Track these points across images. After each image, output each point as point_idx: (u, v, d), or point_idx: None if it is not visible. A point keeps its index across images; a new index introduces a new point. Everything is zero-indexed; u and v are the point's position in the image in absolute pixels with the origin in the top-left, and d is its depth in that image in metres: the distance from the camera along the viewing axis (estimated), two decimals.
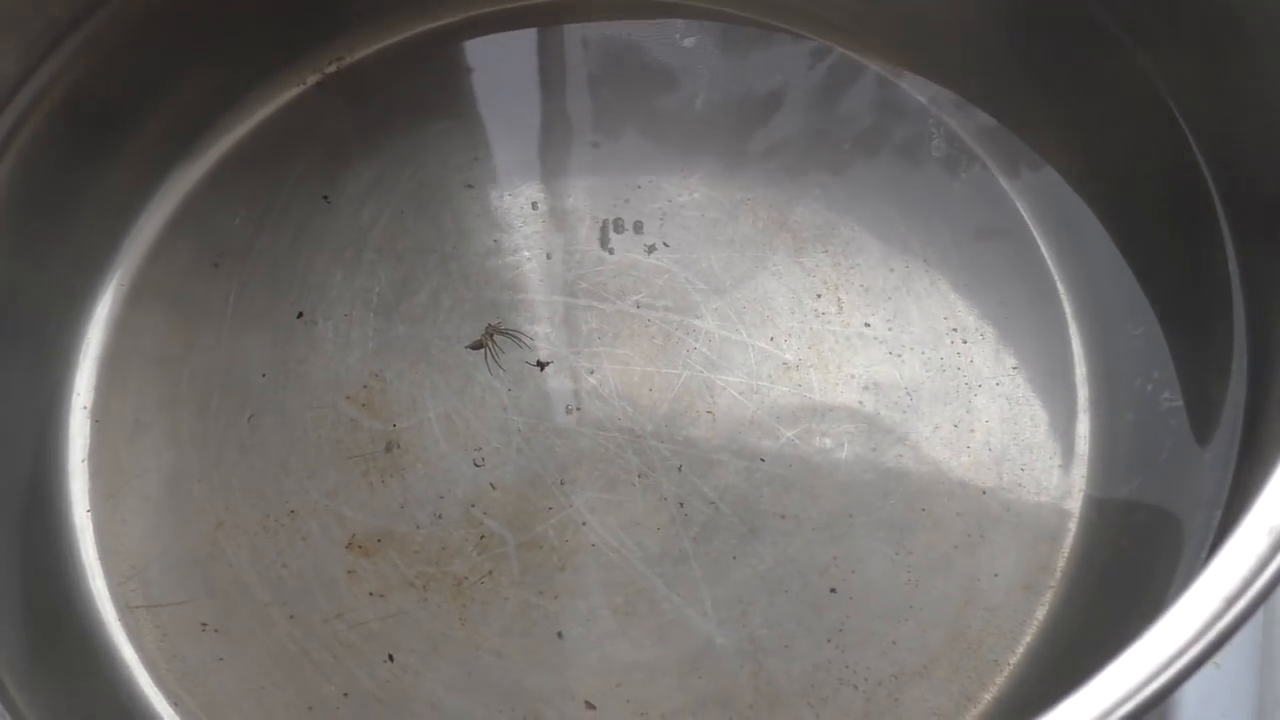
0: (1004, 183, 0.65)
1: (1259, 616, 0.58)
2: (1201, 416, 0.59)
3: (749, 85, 0.68)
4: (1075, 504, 0.60)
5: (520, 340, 0.63)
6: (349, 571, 0.60)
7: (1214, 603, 0.39)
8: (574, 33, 0.69)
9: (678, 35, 0.69)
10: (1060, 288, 0.63)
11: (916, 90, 0.67)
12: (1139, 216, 0.63)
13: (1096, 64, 0.63)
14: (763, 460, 0.61)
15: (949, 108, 0.67)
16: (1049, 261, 0.64)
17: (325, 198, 0.66)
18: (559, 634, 0.59)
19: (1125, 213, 0.64)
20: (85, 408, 0.63)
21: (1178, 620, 0.40)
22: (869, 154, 0.66)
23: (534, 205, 0.66)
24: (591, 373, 0.63)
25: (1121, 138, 0.64)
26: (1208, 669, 0.57)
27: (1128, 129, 0.63)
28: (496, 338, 0.63)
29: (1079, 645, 0.57)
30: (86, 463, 0.62)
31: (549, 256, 0.65)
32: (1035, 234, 0.64)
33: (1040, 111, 0.66)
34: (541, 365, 0.62)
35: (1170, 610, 0.40)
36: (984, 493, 0.60)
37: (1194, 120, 0.60)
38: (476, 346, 0.63)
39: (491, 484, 0.61)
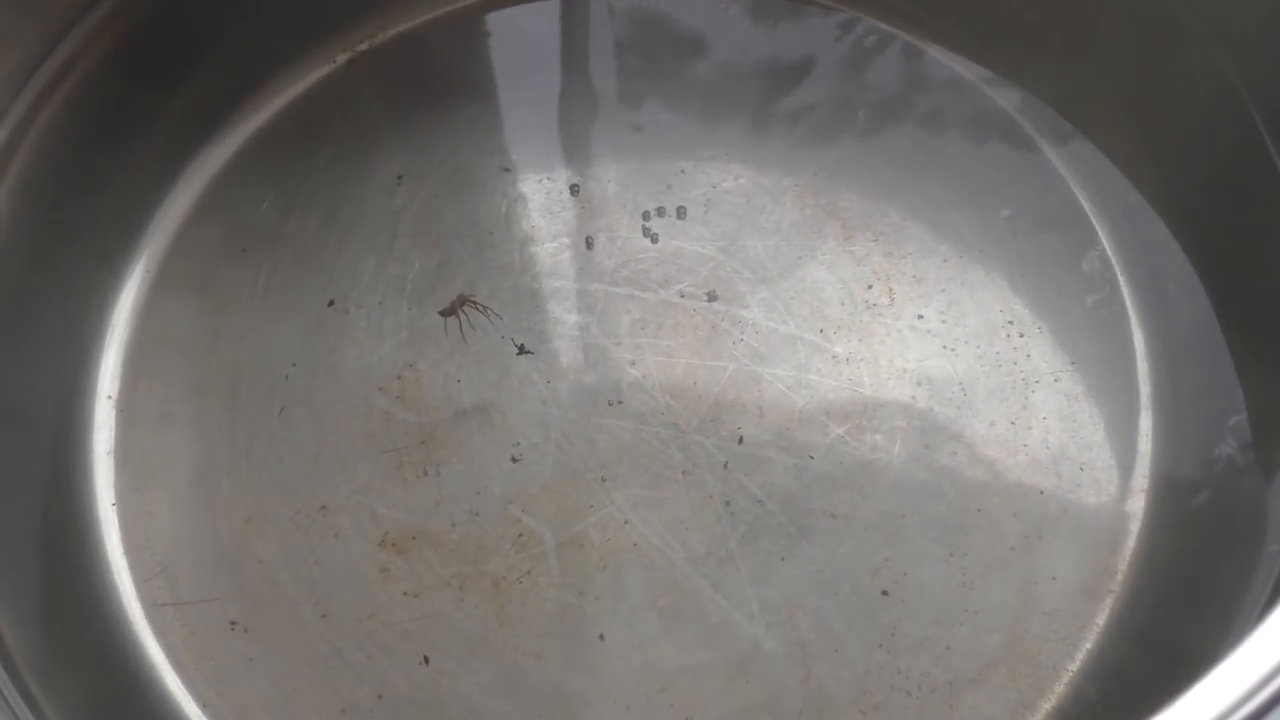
0: (1062, 170, 0.63)
1: None
2: (1271, 410, 0.56)
3: (794, 68, 0.66)
4: (1137, 505, 0.58)
5: (489, 316, 0.61)
6: (382, 570, 0.58)
7: None
8: (609, 12, 0.67)
9: (717, 11, 0.66)
10: (1121, 279, 0.61)
11: (969, 72, 0.65)
12: (1201, 206, 0.61)
13: (1158, 43, 0.61)
14: (812, 457, 0.59)
15: (997, 85, 0.64)
16: (1110, 253, 0.61)
17: (399, 178, 0.64)
18: (600, 636, 0.57)
19: (1186, 201, 0.61)
20: (110, 397, 0.61)
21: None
22: (923, 138, 0.64)
23: (573, 190, 0.64)
24: (633, 364, 0.61)
25: (1182, 121, 0.61)
26: None
27: (1190, 113, 0.61)
28: (467, 308, 0.61)
29: (1142, 653, 0.55)
30: (112, 455, 0.60)
31: (589, 243, 0.63)
32: (1095, 224, 0.62)
33: (1097, 95, 0.64)
34: (521, 349, 0.60)
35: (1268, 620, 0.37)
36: (1041, 493, 0.58)
37: (1259, 99, 0.58)
38: (447, 313, 0.61)
39: (530, 480, 0.59)
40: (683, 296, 0.62)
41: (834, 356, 0.60)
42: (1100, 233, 0.62)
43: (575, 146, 0.65)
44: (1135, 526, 0.58)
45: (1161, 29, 0.60)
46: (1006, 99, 0.65)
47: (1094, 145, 0.63)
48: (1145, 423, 0.59)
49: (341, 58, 0.67)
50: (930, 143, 0.64)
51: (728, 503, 0.58)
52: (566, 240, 0.63)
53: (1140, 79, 0.62)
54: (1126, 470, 0.58)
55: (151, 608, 0.58)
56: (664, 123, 0.65)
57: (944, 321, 0.61)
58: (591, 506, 0.59)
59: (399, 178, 0.64)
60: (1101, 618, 0.57)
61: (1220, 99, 0.58)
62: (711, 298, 0.61)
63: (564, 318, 0.62)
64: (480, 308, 0.61)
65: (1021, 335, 0.60)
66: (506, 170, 0.64)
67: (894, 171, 0.64)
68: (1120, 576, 0.57)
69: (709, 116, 0.65)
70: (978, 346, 0.60)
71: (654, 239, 0.63)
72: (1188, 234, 0.61)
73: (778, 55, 0.66)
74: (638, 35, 0.67)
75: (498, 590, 0.57)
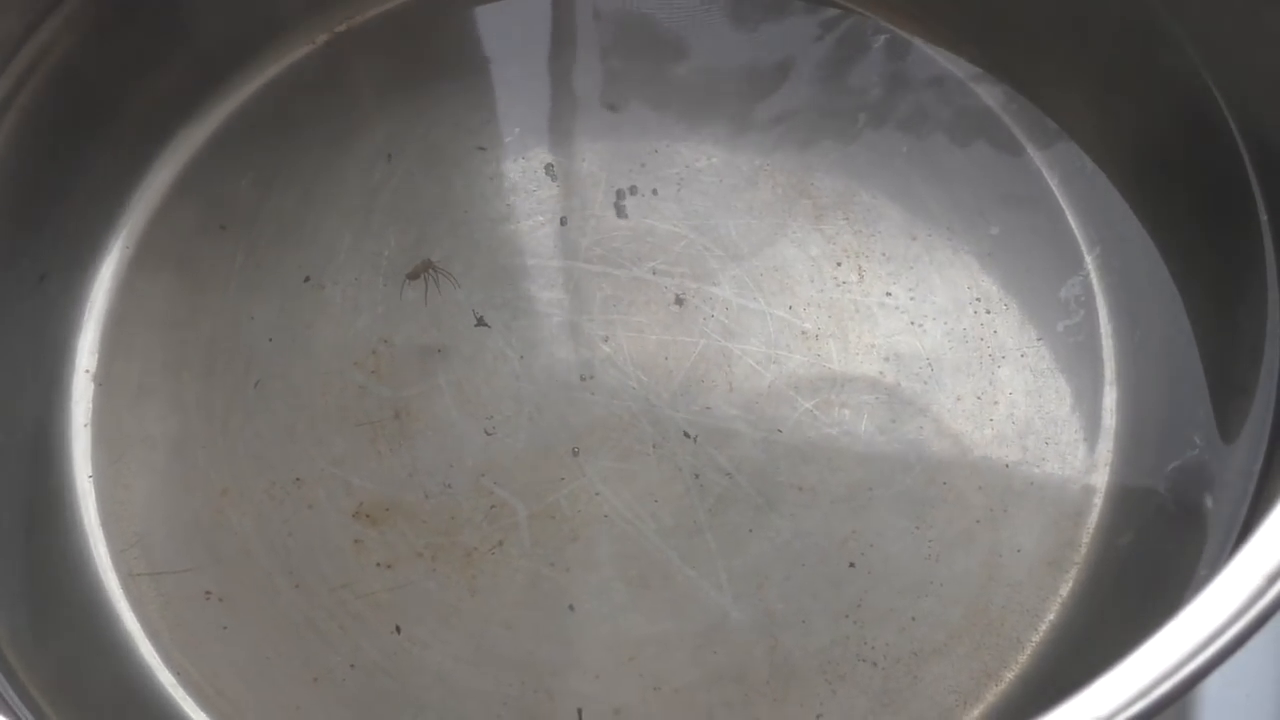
0: (1029, 149, 0.64)
1: None
2: (1231, 383, 0.57)
3: (765, 50, 0.66)
4: (1101, 479, 0.59)
5: (452, 282, 0.62)
6: (356, 541, 0.59)
7: (1255, 580, 0.38)
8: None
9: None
10: (1087, 257, 0.62)
11: (937, 55, 0.66)
12: (1168, 188, 0.62)
13: (1117, 22, 0.62)
14: (780, 431, 0.60)
15: (970, 72, 0.65)
16: (1075, 230, 0.62)
17: (388, 157, 0.65)
18: (570, 606, 0.58)
19: (1152, 182, 0.62)
20: (88, 371, 0.61)
21: (1211, 602, 0.38)
22: (890, 120, 0.65)
23: (548, 169, 0.64)
24: (605, 340, 0.61)
25: (1145, 100, 0.62)
26: None
27: (1152, 90, 0.62)
28: (432, 272, 0.61)
29: (1104, 623, 0.56)
30: (89, 427, 0.61)
31: (563, 222, 0.63)
32: (1061, 201, 0.63)
33: (1060, 76, 0.65)
34: (480, 321, 0.61)
35: (1204, 591, 0.38)
36: (1007, 467, 0.59)
37: (1223, 82, 0.58)
38: (414, 276, 0.62)
39: (502, 453, 0.60)
40: (654, 274, 0.62)
41: (803, 333, 0.61)
42: (1067, 211, 0.62)
43: (551, 127, 0.66)
44: (1098, 500, 0.58)
45: (1144, 35, 0.61)
46: (978, 84, 0.65)
47: (1062, 129, 0.64)
48: (1109, 399, 0.60)
49: (321, 38, 0.67)
50: (901, 126, 0.65)
51: (697, 475, 0.59)
52: (541, 219, 0.64)
53: (1120, 83, 0.63)
54: (1091, 444, 0.59)
55: (128, 577, 0.59)
56: (638, 102, 0.66)
57: (912, 298, 0.62)
58: (563, 479, 0.59)
59: (388, 156, 0.65)
60: (1065, 589, 0.57)
61: (1200, 111, 0.59)
62: (683, 275, 0.62)
63: (538, 294, 0.62)
64: (444, 272, 0.62)
65: (989, 312, 0.61)
66: (483, 149, 0.65)
67: (864, 153, 0.64)
68: (1084, 549, 0.58)
69: (681, 97, 0.66)
70: (945, 323, 0.61)
71: (627, 217, 0.63)
72: (1154, 214, 0.62)
73: (759, 43, 0.67)
74: (618, 18, 0.68)
75: (470, 561, 0.58)
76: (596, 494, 0.59)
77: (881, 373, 0.60)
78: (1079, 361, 0.60)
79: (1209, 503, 0.56)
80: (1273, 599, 0.37)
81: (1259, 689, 0.57)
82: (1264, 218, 0.57)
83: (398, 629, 0.57)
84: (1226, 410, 0.57)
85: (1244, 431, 0.55)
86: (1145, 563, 0.57)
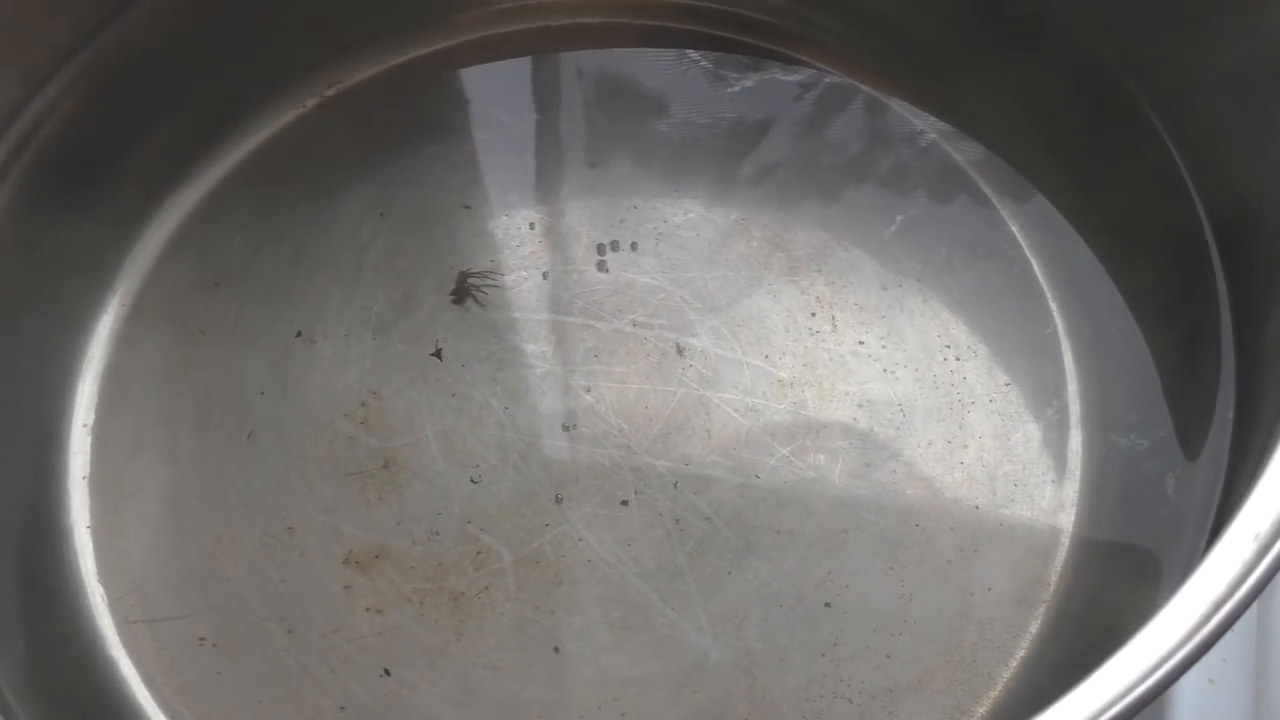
0: (998, 205, 0.66)
1: (1253, 630, 0.59)
2: (1190, 432, 0.59)
3: (742, 109, 0.69)
4: (1068, 519, 0.60)
5: (498, 281, 0.65)
6: (346, 587, 0.60)
7: (1201, 608, 0.39)
8: (569, 55, 0.70)
9: (672, 60, 0.70)
10: (1053, 306, 0.64)
11: (909, 114, 0.68)
12: (1131, 243, 0.64)
13: (1089, 94, 0.64)
14: (758, 477, 0.61)
15: (942, 132, 0.68)
16: (1041, 280, 0.64)
17: (380, 215, 0.67)
18: (555, 649, 0.59)
19: (1116, 238, 0.65)
20: (86, 425, 0.63)
21: (1164, 626, 0.40)
22: (862, 176, 0.67)
23: (531, 226, 0.67)
24: (588, 391, 0.63)
25: (1112, 165, 0.65)
26: (1202, 685, 0.57)
27: (1119, 156, 0.64)
28: (474, 280, 0.64)
29: (1072, 659, 0.58)
30: (87, 480, 0.62)
31: (545, 276, 0.66)
32: (1028, 253, 0.65)
33: (1031, 139, 0.67)
34: (436, 353, 0.64)
35: (1157, 616, 0.40)
36: (977, 508, 0.61)
37: (1188, 153, 0.61)
38: (459, 299, 0.64)
39: (488, 501, 0.61)
40: (635, 326, 0.64)
41: (779, 381, 0.63)
42: (1034, 263, 0.65)
43: (533, 184, 0.68)
44: (1066, 539, 0.60)
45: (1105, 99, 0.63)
46: (948, 143, 0.68)
47: (1032, 187, 0.66)
48: (1075, 442, 0.62)
49: (310, 102, 0.70)
50: (873, 182, 0.67)
51: (677, 520, 0.61)
52: (524, 274, 0.66)
53: (1075, 134, 0.66)
54: (1058, 486, 0.61)
55: (124, 625, 0.60)
56: (618, 160, 0.68)
57: (884, 346, 0.64)
58: (547, 525, 0.61)
59: (380, 214, 0.67)
60: (1034, 626, 0.59)
61: (1148, 152, 0.62)
62: (662, 326, 0.64)
63: (522, 347, 0.64)
64: (487, 275, 0.64)
65: (958, 359, 0.63)
66: (467, 207, 0.67)
67: (838, 208, 0.67)
68: (1052, 586, 0.59)
69: (660, 155, 0.68)
70: (916, 370, 0.63)
71: (607, 271, 0.65)
72: (1117, 267, 0.64)
73: (737, 103, 0.69)
74: (598, 79, 0.70)
75: (457, 605, 0.60)
76: (580, 540, 0.61)
77: (855, 419, 0.62)
78: (1046, 406, 0.62)
79: (1172, 541, 0.57)
80: (1214, 628, 0.39)
81: None
82: (1219, 269, 0.59)
83: (387, 672, 0.59)
84: (1189, 448, 0.59)
85: (1201, 466, 0.57)
86: (1112, 598, 0.59)
